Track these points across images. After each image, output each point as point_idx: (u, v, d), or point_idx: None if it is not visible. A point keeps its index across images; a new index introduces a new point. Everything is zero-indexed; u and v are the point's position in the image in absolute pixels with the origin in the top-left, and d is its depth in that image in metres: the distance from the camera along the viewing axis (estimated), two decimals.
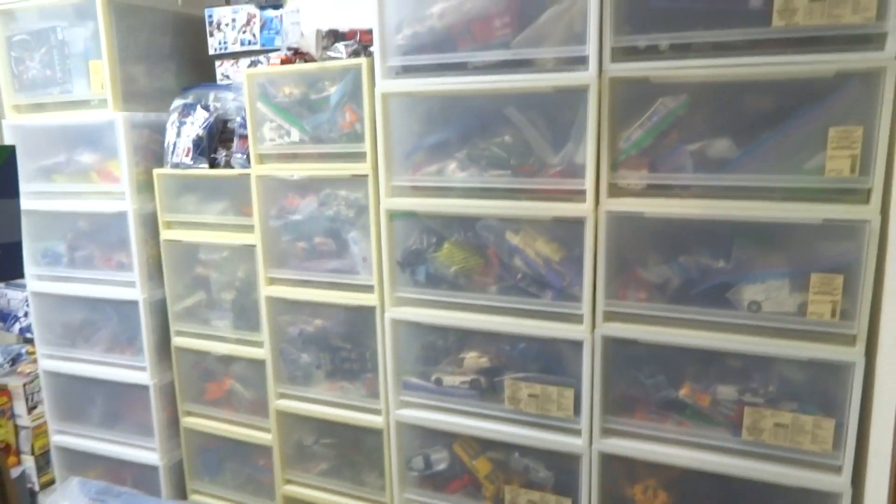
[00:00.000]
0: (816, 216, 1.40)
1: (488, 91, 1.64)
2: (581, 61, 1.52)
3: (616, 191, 1.56)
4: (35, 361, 2.61)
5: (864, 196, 1.38)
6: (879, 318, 1.38)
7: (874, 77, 1.32)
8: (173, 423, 2.45)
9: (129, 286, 2.33)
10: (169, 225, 2.31)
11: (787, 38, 1.36)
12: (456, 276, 1.78)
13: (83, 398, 2.55)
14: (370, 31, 1.81)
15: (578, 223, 1.59)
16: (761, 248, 1.48)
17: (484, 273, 1.76)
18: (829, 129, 1.37)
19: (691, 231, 1.53)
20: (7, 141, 2.42)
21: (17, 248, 1.02)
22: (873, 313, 1.39)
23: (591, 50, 1.49)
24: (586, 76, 1.50)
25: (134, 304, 2.33)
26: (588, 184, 1.56)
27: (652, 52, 1.47)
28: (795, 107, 1.40)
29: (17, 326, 2.84)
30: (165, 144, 2.27)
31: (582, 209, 1.58)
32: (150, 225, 2.32)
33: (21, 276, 1.04)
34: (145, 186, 2.29)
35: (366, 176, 1.86)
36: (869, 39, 1.32)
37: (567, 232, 1.63)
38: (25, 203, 2.43)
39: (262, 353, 2.17)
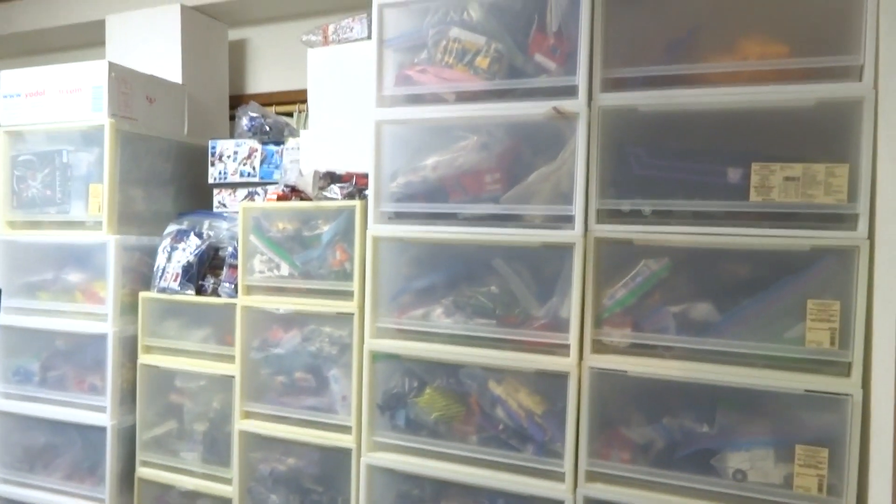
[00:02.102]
0: (798, 386, 1.39)
1: (477, 242, 1.68)
2: (567, 220, 1.57)
3: (600, 347, 1.57)
4: None
5: (845, 368, 1.38)
6: (867, 494, 1.35)
7: (849, 254, 1.36)
8: None
9: (100, 411, 2.26)
10: (148, 349, 2.27)
11: (765, 212, 1.42)
12: (436, 424, 1.73)
13: None
14: (366, 175, 1.88)
15: (562, 377, 1.58)
16: (745, 414, 1.46)
17: (465, 422, 1.72)
18: (808, 301, 1.40)
19: (675, 393, 1.51)
20: None
21: None
22: (861, 489, 1.36)
23: (577, 210, 1.55)
24: (572, 235, 1.55)
25: (102, 429, 2.25)
26: (572, 339, 1.57)
27: (636, 216, 1.53)
28: (775, 276, 1.44)
29: None
30: (155, 268, 2.28)
31: (566, 363, 1.57)
32: (129, 348, 2.28)
33: None
34: (129, 309, 2.28)
35: (352, 314, 1.86)
36: (842, 218, 1.38)
37: (550, 385, 1.62)
38: (5, 318, 2.40)
39: (229, 490, 2.07)
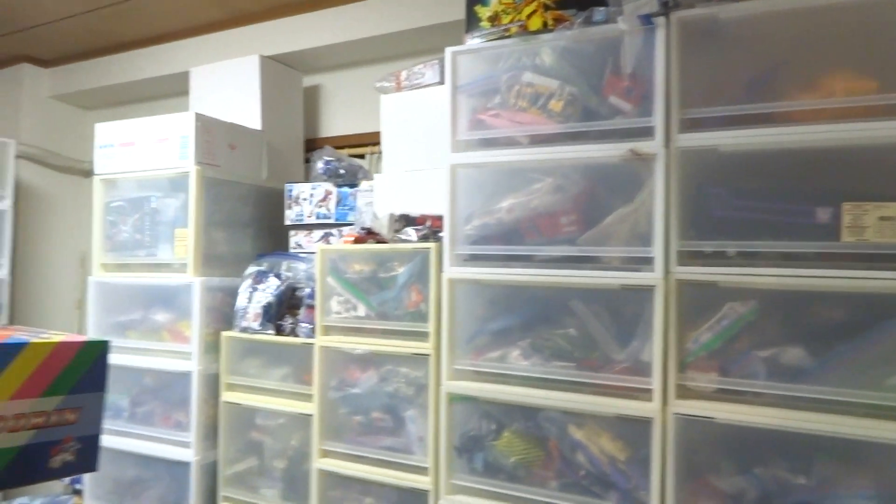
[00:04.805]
0: None
1: (554, 284, 1.67)
2: (647, 262, 1.54)
3: (685, 392, 1.52)
4: None
5: None
6: None
7: None
8: None
9: (184, 446, 2.34)
10: (230, 387, 2.34)
11: (859, 252, 1.36)
12: (515, 468, 1.72)
13: None
14: (440, 218, 1.90)
15: (645, 423, 1.54)
16: (845, 465, 1.39)
17: (545, 466, 1.69)
18: None
19: (767, 441, 1.45)
20: (91, 296, 2.57)
21: (95, 440, 1.05)
22: None
23: (657, 252, 1.52)
24: (653, 277, 1.52)
25: (186, 465, 2.32)
26: (655, 383, 1.53)
27: (719, 257, 1.49)
28: (872, 320, 1.37)
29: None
30: (236, 308, 2.36)
31: (649, 409, 1.53)
32: (212, 386, 2.36)
33: (95, 468, 1.06)
34: (212, 347, 2.36)
35: (428, 355, 1.87)
36: None
37: (633, 431, 1.58)
38: None
39: None
